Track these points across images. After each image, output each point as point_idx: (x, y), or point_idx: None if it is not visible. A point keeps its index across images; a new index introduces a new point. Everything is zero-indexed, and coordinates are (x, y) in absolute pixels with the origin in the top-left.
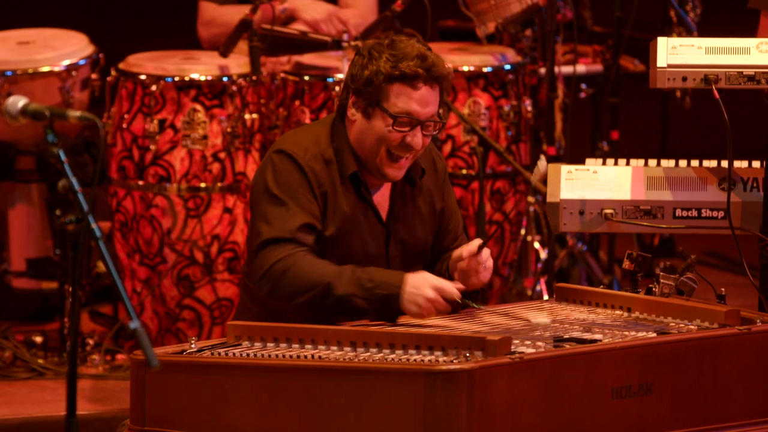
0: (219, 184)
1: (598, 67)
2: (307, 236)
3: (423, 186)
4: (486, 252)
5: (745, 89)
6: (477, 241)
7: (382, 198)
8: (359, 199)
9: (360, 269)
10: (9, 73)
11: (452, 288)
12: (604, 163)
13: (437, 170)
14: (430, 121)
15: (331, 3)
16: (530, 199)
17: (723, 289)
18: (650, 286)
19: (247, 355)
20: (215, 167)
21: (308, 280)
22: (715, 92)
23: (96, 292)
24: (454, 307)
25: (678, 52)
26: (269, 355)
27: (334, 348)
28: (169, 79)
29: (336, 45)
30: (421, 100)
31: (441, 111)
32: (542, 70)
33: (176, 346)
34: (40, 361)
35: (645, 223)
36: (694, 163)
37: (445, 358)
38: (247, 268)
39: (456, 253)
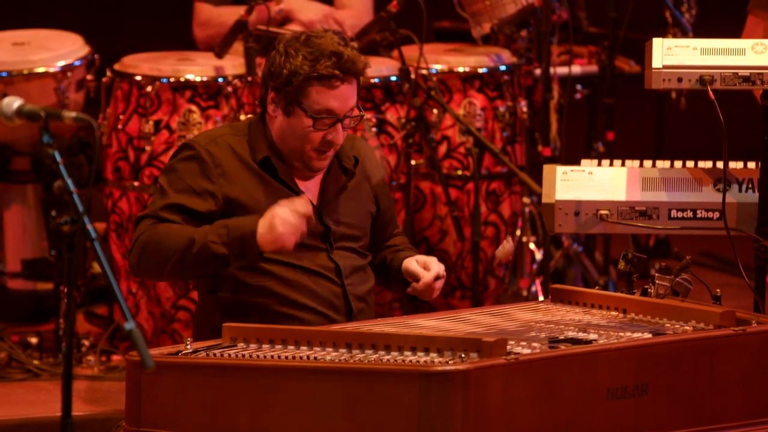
0: None
1: (593, 68)
2: (172, 215)
3: (356, 177)
4: (440, 282)
5: (740, 90)
6: (434, 272)
7: (310, 184)
8: (279, 184)
9: (219, 221)
10: (4, 74)
11: (302, 204)
12: (599, 164)
13: (369, 163)
14: (349, 117)
15: (326, 4)
16: (525, 200)
17: (718, 290)
18: (646, 287)
19: (243, 356)
20: None
21: (170, 243)
22: (711, 93)
23: (91, 293)
24: (311, 229)
25: (673, 53)
26: (264, 357)
27: (330, 349)
28: (165, 80)
29: None
30: (339, 98)
31: (359, 104)
32: (537, 71)
33: (172, 347)
34: (36, 362)
35: (640, 224)
36: (690, 164)
37: (440, 359)
38: None
39: (410, 268)
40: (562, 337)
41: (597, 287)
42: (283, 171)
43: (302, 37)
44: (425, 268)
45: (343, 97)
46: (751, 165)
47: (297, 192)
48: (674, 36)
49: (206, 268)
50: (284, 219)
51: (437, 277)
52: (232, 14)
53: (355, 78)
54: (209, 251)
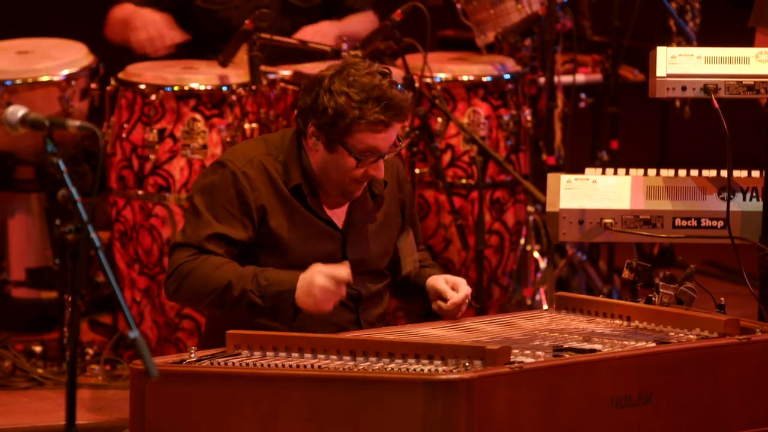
0: None
1: (597, 77)
2: (216, 246)
3: (384, 198)
4: (465, 303)
5: (744, 99)
6: (463, 294)
7: (339, 210)
8: (307, 211)
9: (260, 269)
10: (8, 83)
11: (343, 271)
12: (603, 173)
13: (400, 181)
14: (393, 152)
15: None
16: (530, 208)
17: (722, 299)
18: (650, 295)
19: (247, 364)
20: None
21: (210, 280)
22: (715, 102)
23: (95, 302)
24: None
25: (677, 62)
26: (268, 365)
27: (334, 357)
28: (169, 89)
29: (335, 54)
30: (385, 139)
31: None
32: (542, 80)
33: (176, 355)
34: (40, 370)
35: (644, 233)
36: (694, 172)
37: (444, 367)
38: None
39: (438, 286)
40: (566, 346)
41: (601, 296)
42: (312, 200)
43: (349, 77)
44: (454, 288)
45: (389, 137)
46: (756, 174)
47: (325, 220)
48: (678, 45)
49: (241, 312)
50: (324, 287)
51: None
52: (148, 15)
53: (400, 121)
54: (246, 299)
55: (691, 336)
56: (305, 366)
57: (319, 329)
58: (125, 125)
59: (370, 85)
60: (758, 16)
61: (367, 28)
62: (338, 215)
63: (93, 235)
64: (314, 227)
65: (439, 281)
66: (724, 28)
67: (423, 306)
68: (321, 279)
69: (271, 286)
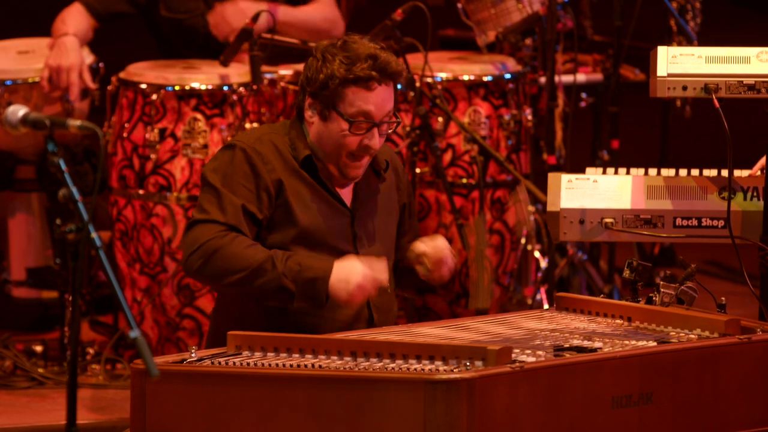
0: None
1: (598, 76)
2: (243, 225)
3: (387, 178)
4: (450, 259)
5: (745, 98)
6: (442, 241)
7: (346, 188)
8: (317, 184)
9: (292, 254)
10: (9, 83)
11: (382, 273)
12: (604, 172)
13: (398, 171)
14: (386, 122)
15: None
16: (531, 208)
17: (723, 298)
18: (650, 295)
19: (248, 364)
20: None
21: (241, 260)
22: (715, 101)
23: (96, 302)
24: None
25: (678, 61)
26: (269, 365)
27: (335, 357)
28: (170, 89)
29: None
30: (376, 100)
31: (396, 111)
32: (542, 79)
33: (176, 355)
34: (41, 370)
35: (645, 233)
36: (695, 172)
37: (445, 367)
38: None
39: (418, 246)
40: (566, 345)
41: (602, 295)
42: (322, 170)
43: (339, 43)
44: (430, 246)
45: (380, 99)
46: (757, 173)
47: (335, 195)
48: (679, 44)
49: (268, 295)
50: (362, 285)
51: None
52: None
53: (392, 81)
54: (279, 284)
55: (692, 336)
56: (306, 366)
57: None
58: (126, 125)
59: (360, 48)
60: None
61: (327, 17)
62: (345, 194)
63: (94, 234)
64: (325, 201)
65: (418, 243)
66: (725, 28)
67: (412, 278)
68: (360, 276)
69: (304, 272)
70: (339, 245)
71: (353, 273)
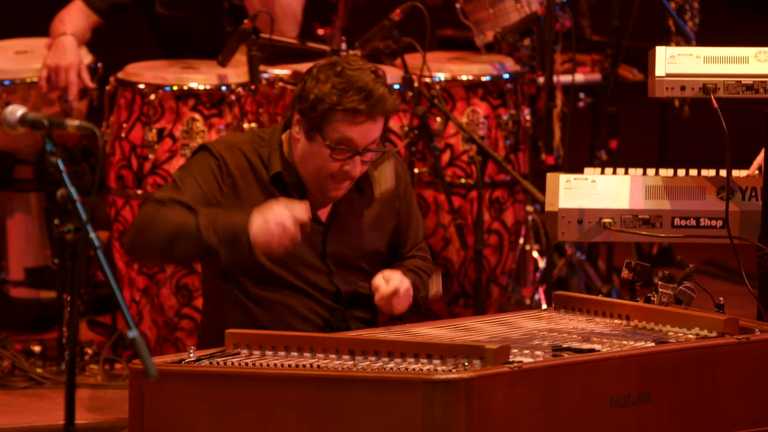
0: None
1: (596, 77)
2: (176, 208)
3: (373, 196)
4: (402, 299)
5: (743, 98)
6: (392, 287)
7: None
8: (288, 198)
9: (212, 211)
10: (7, 83)
11: (298, 208)
12: (602, 173)
13: (398, 179)
14: (369, 150)
15: None
16: (529, 208)
17: (721, 298)
18: (649, 295)
19: (246, 364)
20: None
21: (165, 223)
22: (714, 101)
23: (95, 302)
24: (305, 231)
25: (676, 62)
26: (267, 364)
27: (333, 356)
28: (168, 89)
29: (334, 54)
30: (362, 131)
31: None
32: (541, 80)
33: (175, 355)
34: (39, 370)
35: (643, 233)
36: (693, 172)
37: (443, 367)
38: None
39: (375, 280)
40: (565, 346)
41: (600, 295)
42: (294, 187)
43: (338, 67)
44: (387, 281)
45: (366, 131)
46: (755, 173)
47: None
48: (677, 44)
49: (197, 254)
50: (279, 221)
51: (396, 293)
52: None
53: (382, 116)
54: (201, 239)
55: (690, 335)
56: (304, 365)
57: (301, 322)
58: (124, 125)
59: (357, 77)
60: None
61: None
62: (322, 208)
63: (92, 234)
64: None
65: (377, 278)
66: (724, 28)
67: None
68: (277, 212)
69: (225, 225)
70: (308, 260)
71: (271, 212)
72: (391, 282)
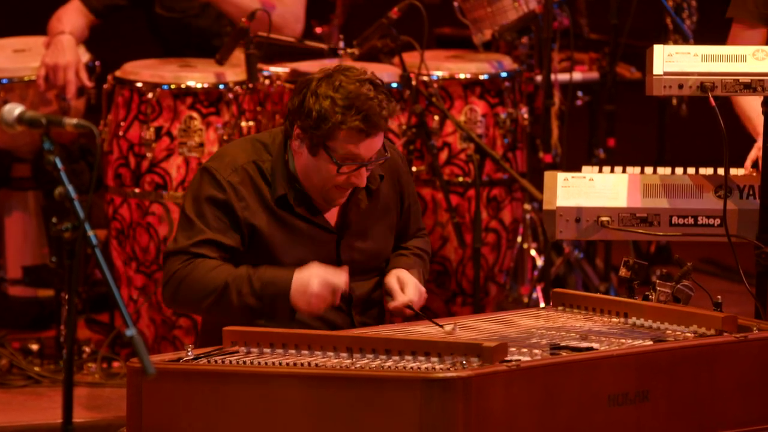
0: None
1: (594, 75)
2: (209, 251)
3: (380, 193)
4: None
5: (741, 97)
6: (400, 302)
7: (330, 210)
8: (297, 218)
9: (253, 269)
10: (5, 81)
11: (340, 279)
12: (600, 171)
13: (398, 170)
14: (374, 162)
15: None
16: (527, 206)
17: (719, 297)
18: (647, 293)
19: (244, 362)
20: None
21: (206, 284)
22: (711, 100)
23: (92, 300)
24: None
25: (674, 60)
26: (265, 363)
27: (331, 354)
28: (166, 87)
29: (332, 53)
30: (368, 146)
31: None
32: (539, 78)
33: (172, 353)
34: (37, 368)
35: (641, 231)
36: (691, 170)
37: (441, 365)
38: None
39: (389, 283)
40: (563, 344)
41: (598, 294)
42: (299, 209)
43: (335, 81)
44: (402, 289)
45: (371, 146)
46: (752, 171)
47: (316, 224)
48: (675, 42)
49: (242, 315)
50: (319, 294)
51: (407, 306)
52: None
53: (383, 130)
54: (245, 304)
55: (688, 334)
56: (302, 364)
57: (314, 327)
58: (122, 123)
59: (356, 92)
60: (735, 8)
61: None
62: (331, 214)
63: (90, 233)
64: (305, 234)
65: (392, 279)
66: (721, 26)
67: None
68: (317, 285)
69: (265, 288)
70: (318, 261)
71: (312, 283)
72: (406, 290)
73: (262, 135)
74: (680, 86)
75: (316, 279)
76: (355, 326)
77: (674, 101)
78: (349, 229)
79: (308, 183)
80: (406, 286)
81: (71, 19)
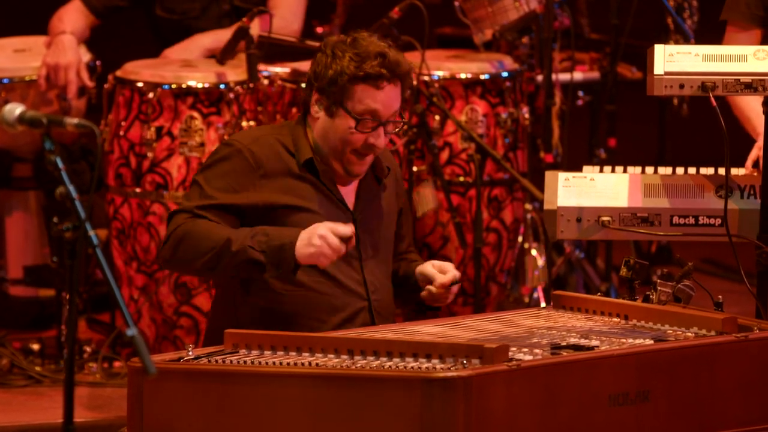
0: None
1: (595, 75)
2: (211, 215)
3: (387, 186)
4: (455, 286)
5: (739, 97)
6: (451, 275)
7: (347, 190)
8: (319, 187)
9: (257, 227)
10: (6, 81)
11: (346, 228)
12: (601, 171)
13: (397, 177)
14: (392, 122)
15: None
16: (527, 206)
17: (720, 297)
18: (647, 293)
19: (244, 362)
20: None
21: (207, 239)
22: (712, 99)
23: (93, 300)
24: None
25: (675, 60)
26: (266, 363)
27: (331, 356)
28: (167, 87)
29: None
30: (384, 100)
31: (403, 111)
32: (539, 78)
33: (173, 353)
34: (38, 368)
35: (642, 231)
36: (691, 170)
37: (442, 365)
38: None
39: (426, 271)
40: (564, 344)
41: (599, 294)
42: (324, 174)
43: (348, 40)
44: (441, 271)
45: (388, 99)
46: (753, 171)
47: (339, 197)
48: (676, 42)
49: (239, 270)
50: (324, 236)
51: (453, 282)
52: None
53: (400, 81)
54: (246, 255)
55: (689, 334)
56: (302, 364)
57: (326, 316)
58: (123, 123)
59: (371, 45)
60: (729, 10)
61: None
62: (348, 194)
63: (91, 232)
64: (326, 203)
65: (427, 266)
66: (722, 26)
67: (414, 297)
68: (323, 229)
69: (271, 240)
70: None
71: (317, 229)
72: (448, 271)
73: (274, 125)
74: (681, 86)
75: (322, 227)
76: (372, 314)
77: (675, 101)
78: (364, 212)
79: (327, 147)
80: (443, 267)
81: (72, 18)
